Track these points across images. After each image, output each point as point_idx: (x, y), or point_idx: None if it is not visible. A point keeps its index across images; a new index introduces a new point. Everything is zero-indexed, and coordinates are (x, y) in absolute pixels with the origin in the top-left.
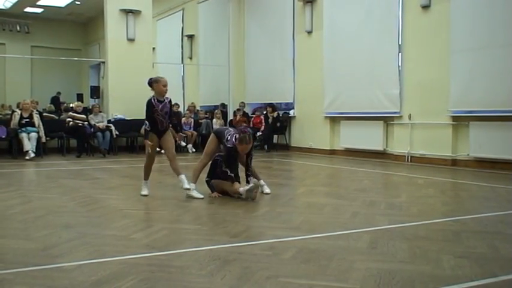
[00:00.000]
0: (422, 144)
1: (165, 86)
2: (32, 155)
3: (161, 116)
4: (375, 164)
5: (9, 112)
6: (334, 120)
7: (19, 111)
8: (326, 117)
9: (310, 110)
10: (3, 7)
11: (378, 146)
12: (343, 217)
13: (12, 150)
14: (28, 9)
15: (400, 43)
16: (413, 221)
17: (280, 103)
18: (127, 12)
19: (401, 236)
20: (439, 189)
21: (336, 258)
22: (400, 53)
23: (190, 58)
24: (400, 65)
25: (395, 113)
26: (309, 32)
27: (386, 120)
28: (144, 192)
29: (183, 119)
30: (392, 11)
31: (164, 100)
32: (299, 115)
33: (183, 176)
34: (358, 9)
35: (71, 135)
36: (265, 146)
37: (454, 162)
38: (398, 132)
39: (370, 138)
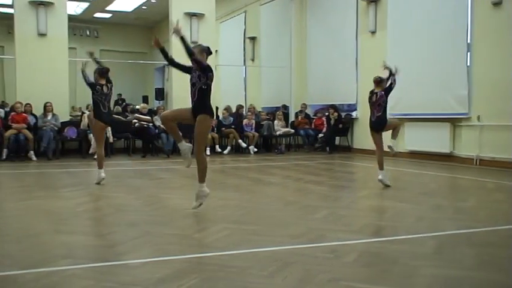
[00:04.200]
0: (492, 147)
1: None
2: None
3: None
4: (440, 167)
5: (79, 114)
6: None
7: (88, 113)
8: (390, 118)
9: None
10: (74, 13)
11: (444, 149)
12: (407, 221)
13: (82, 150)
14: (97, 15)
15: (468, 41)
16: (481, 227)
17: (343, 104)
18: (191, 15)
19: (469, 242)
20: (509, 194)
21: (399, 263)
22: (468, 52)
23: (253, 60)
24: (468, 64)
25: (463, 114)
26: (373, 32)
27: (454, 121)
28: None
29: (245, 121)
30: (461, 9)
31: None
32: (362, 117)
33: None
34: (424, 8)
35: (137, 136)
36: (327, 148)
37: None
38: (466, 134)
39: (436, 140)
